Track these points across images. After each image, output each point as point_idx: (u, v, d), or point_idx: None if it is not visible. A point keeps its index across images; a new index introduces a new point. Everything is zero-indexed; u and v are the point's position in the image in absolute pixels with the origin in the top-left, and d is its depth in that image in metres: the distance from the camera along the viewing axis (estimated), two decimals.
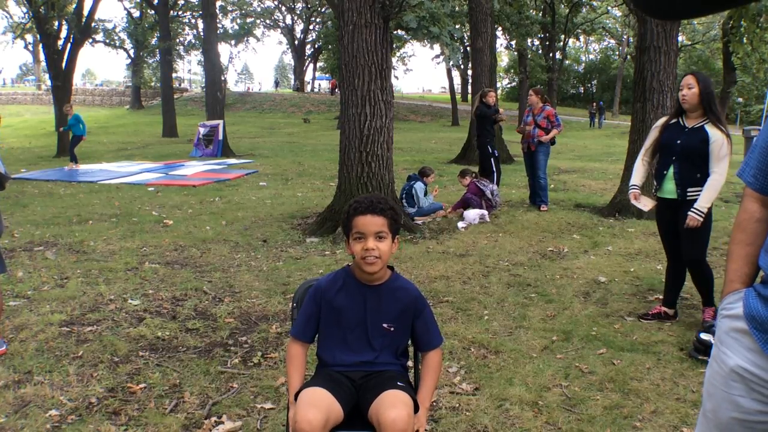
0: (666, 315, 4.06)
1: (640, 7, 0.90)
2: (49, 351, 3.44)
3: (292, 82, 59.29)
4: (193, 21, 33.31)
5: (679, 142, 3.78)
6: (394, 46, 31.98)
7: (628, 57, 39.17)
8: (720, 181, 3.66)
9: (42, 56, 21.16)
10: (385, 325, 1.98)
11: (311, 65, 57.29)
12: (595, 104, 37.08)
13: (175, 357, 3.42)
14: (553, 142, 8.24)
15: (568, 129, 28.92)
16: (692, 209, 3.67)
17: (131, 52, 35.23)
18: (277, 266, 5.35)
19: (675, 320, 4.04)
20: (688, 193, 3.75)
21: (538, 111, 8.11)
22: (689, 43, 40.45)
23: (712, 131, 3.67)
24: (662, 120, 4.03)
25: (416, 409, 1.89)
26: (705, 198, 3.65)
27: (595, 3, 34.33)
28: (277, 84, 69.90)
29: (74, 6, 19.72)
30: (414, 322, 2.02)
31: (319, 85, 61.04)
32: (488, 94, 8.82)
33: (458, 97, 38.42)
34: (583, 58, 58.71)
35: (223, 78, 27.05)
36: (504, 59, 50.34)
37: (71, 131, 13.89)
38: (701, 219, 3.66)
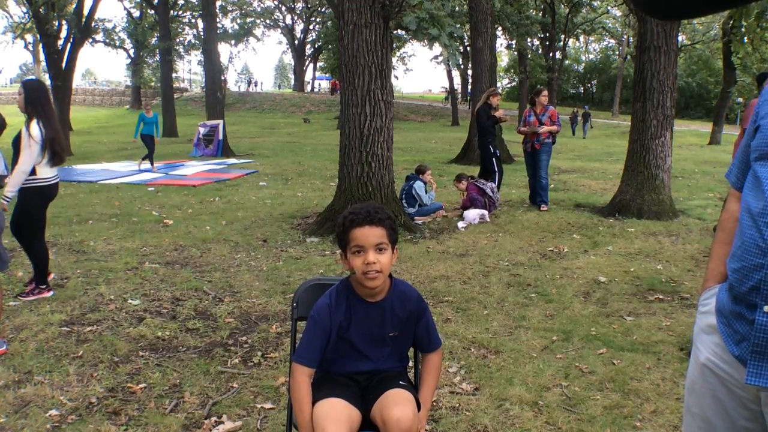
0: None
1: (640, 7, 0.90)
2: (49, 351, 3.44)
3: (292, 82, 59.26)
4: (193, 21, 33.35)
5: None
6: (394, 46, 31.99)
7: (628, 57, 39.19)
8: (18, 170, 4.07)
9: (42, 56, 21.16)
10: (390, 334, 1.96)
11: (311, 65, 57.34)
12: (578, 109, 31.34)
13: (175, 357, 3.42)
14: (553, 141, 8.26)
15: (567, 129, 28.93)
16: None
17: (131, 52, 35.27)
18: (277, 266, 5.35)
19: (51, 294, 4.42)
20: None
21: (541, 110, 8.12)
22: (689, 43, 40.49)
23: (23, 127, 4.11)
24: None
25: (418, 407, 1.89)
26: (9, 185, 4.07)
27: (595, 3, 34.34)
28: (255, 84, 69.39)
29: (74, 6, 19.73)
30: (416, 327, 1.99)
31: (319, 85, 61.05)
32: (495, 95, 8.75)
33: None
34: (583, 58, 58.78)
35: (223, 78, 27.06)
36: (504, 59, 50.38)
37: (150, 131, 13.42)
38: (5, 204, 4.01)
